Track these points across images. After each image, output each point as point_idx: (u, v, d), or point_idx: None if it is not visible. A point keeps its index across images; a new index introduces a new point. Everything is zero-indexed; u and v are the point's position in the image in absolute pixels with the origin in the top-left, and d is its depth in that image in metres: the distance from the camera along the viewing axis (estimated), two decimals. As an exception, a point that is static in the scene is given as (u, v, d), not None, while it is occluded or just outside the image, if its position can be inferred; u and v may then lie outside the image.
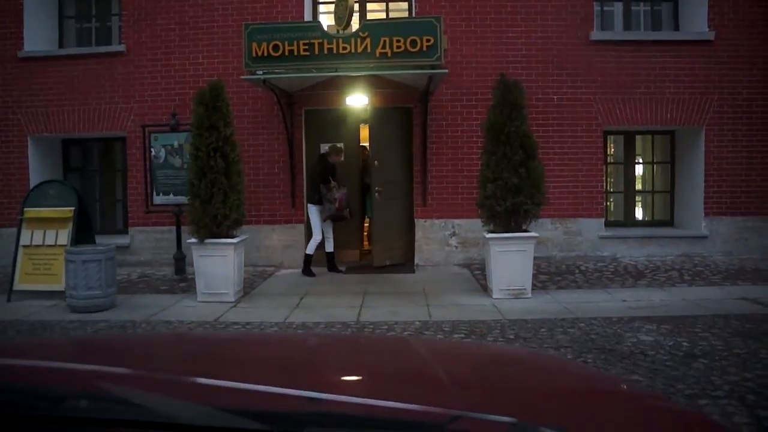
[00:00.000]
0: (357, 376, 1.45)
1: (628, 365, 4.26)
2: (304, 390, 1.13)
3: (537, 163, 6.41)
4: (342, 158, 8.22)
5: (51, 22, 9.54)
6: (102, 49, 9.20)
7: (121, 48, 8.92)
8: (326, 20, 8.77)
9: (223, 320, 5.88)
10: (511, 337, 5.09)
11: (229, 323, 5.77)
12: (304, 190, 8.56)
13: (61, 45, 9.63)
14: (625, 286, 7.10)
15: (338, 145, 8.34)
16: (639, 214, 9.72)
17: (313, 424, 0.99)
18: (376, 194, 8.29)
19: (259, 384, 1.14)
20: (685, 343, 4.77)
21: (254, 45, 6.92)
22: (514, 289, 6.44)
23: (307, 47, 6.87)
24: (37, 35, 9.27)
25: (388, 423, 0.99)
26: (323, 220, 7.93)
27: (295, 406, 1.07)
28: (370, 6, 9.29)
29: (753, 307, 5.97)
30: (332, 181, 7.85)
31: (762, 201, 8.76)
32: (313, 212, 7.96)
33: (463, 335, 5.18)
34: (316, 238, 8.01)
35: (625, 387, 1.63)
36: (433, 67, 6.90)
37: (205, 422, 0.94)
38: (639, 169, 9.92)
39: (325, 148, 8.37)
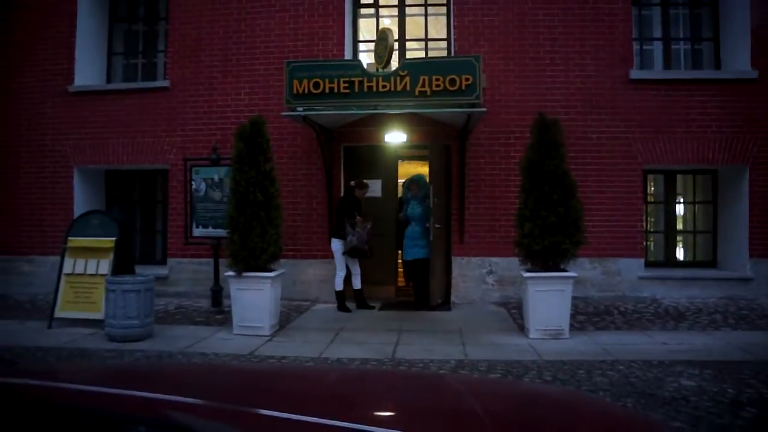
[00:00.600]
0: (399, 411, 1.46)
1: (670, 411, 4.19)
2: (351, 423, 1.16)
3: (576, 201, 6.40)
4: (365, 193, 8.30)
5: (100, 58, 9.91)
6: (148, 84, 9.52)
7: (166, 83, 9.21)
8: (366, 58, 8.97)
9: (258, 354, 5.93)
10: (549, 378, 5.03)
11: (264, 357, 5.82)
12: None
13: (108, 80, 9.99)
14: (666, 328, 6.97)
15: (364, 180, 8.41)
16: (680, 254, 9.57)
17: None
18: (436, 228, 8.28)
19: (305, 416, 1.18)
20: (730, 390, 4.66)
21: (295, 82, 7.10)
22: (551, 330, 6.38)
23: (347, 85, 7.03)
24: (87, 70, 9.65)
25: None
26: (343, 254, 8.00)
27: None
28: (409, 45, 9.48)
29: (800, 353, 5.83)
30: (357, 216, 7.93)
31: (808, 243, 8.57)
32: (337, 246, 8.03)
33: (499, 375, 5.14)
34: (339, 273, 8.08)
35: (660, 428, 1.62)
36: (471, 105, 6.99)
37: None
38: (680, 209, 9.80)
39: (351, 183, 8.48)
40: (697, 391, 4.63)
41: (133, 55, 10.20)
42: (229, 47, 9.07)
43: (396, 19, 9.55)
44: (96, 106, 9.44)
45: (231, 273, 6.69)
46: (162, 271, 9.03)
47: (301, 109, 7.24)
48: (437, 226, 8.17)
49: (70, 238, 7.45)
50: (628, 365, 5.36)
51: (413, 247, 8.33)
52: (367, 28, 9.83)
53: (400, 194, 9.54)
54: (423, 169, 9.69)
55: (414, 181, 8.64)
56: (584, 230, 6.50)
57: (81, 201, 9.47)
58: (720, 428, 3.85)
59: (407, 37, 9.49)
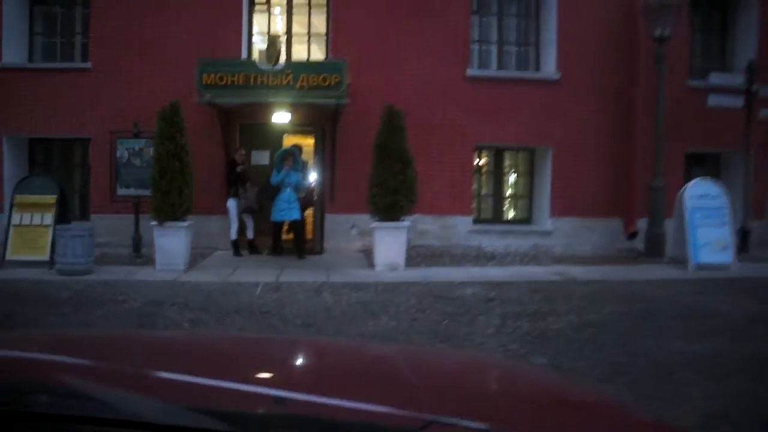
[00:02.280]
0: (328, 378, 1.46)
1: (450, 303, 7.04)
2: (272, 390, 1.18)
3: (411, 171, 9.20)
4: (242, 162, 10.68)
5: (23, 38, 11.74)
6: (70, 65, 11.53)
7: (88, 65, 11.24)
8: (261, 45, 11.36)
9: (178, 280, 8.40)
10: (381, 290, 7.81)
11: (183, 282, 8.30)
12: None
13: (30, 59, 11.86)
14: (477, 265, 9.98)
15: (242, 151, 10.85)
16: (508, 213, 12.71)
17: (280, 426, 1.01)
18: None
19: (226, 383, 1.18)
20: (493, 293, 7.61)
21: (204, 75, 9.48)
22: (391, 264, 9.21)
23: (245, 79, 9.47)
24: (12, 49, 11.47)
25: (358, 427, 1.01)
26: (241, 212, 10.52)
27: (261, 407, 1.11)
28: (295, 38, 11.95)
29: (555, 278, 8.93)
30: (248, 182, 10.45)
31: (594, 206, 11.82)
32: (231, 204, 10.48)
33: (349, 289, 7.87)
34: (233, 226, 10.58)
35: (605, 399, 1.70)
36: (339, 98, 9.62)
37: (168, 421, 0.96)
38: (512, 179, 12.93)
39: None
40: (472, 295, 7.54)
41: (53, 35, 12.08)
42: (145, 36, 11.16)
43: (284, 15, 12.00)
44: (21, 82, 11.31)
45: (155, 223, 9.07)
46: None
47: (208, 95, 9.62)
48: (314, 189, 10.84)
49: (16, 195, 9.55)
50: (436, 284, 8.23)
51: (289, 210, 10.64)
52: (259, 22, 12.17)
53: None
54: (304, 141, 12.19)
55: (289, 152, 10.87)
56: (416, 192, 9.32)
57: (9, 165, 11.40)
58: (476, 313, 6.71)
59: (294, 31, 11.98)
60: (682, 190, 10.31)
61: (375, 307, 6.86)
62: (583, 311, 6.78)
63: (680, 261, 10.14)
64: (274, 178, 10.08)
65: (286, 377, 1.48)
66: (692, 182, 10.40)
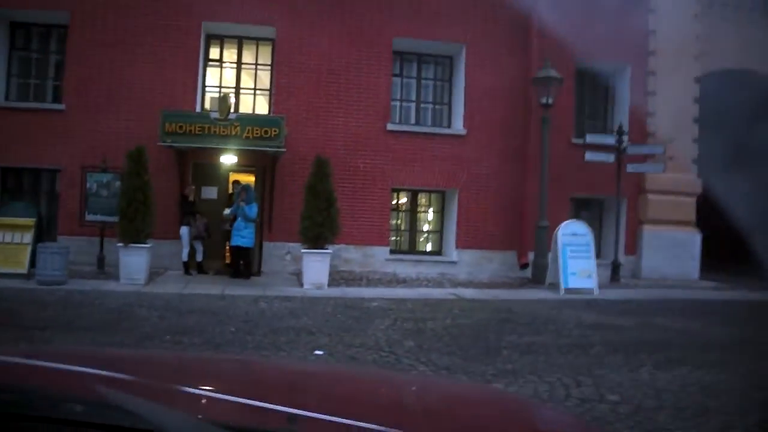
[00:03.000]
0: (338, 401, 1.56)
1: (357, 311, 9.23)
2: (284, 407, 1.26)
3: (334, 209, 11.44)
4: (192, 195, 12.75)
5: (1, 79, 13.62)
6: (46, 105, 13.45)
7: (62, 107, 13.17)
8: (213, 95, 13.50)
9: (141, 291, 10.38)
10: (308, 304, 9.95)
11: (145, 292, 10.29)
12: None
13: (7, 97, 13.71)
14: (389, 287, 12.23)
15: (192, 187, 12.92)
16: (421, 246, 15.07)
17: None
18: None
19: (241, 399, 1.28)
20: (393, 306, 9.84)
21: (166, 124, 11.58)
22: (316, 284, 11.38)
23: (201, 128, 11.61)
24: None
25: None
26: (192, 239, 12.54)
27: (273, 423, 1.20)
28: (243, 99, 14.18)
29: (449, 297, 11.24)
30: (198, 213, 12.52)
31: (493, 241, 14.29)
32: (183, 232, 12.47)
33: (280, 300, 9.98)
34: (184, 249, 12.58)
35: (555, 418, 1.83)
36: (277, 146, 11.84)
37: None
38: (425, 216, 15.32)
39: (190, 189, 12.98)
40: (375, 306, 9.75)
41: (27, 78, 13.98)
42: (114, 83, 13.16)
43: (234, 72, 14.23)
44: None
45: (121, 244, 11.04)
46: (53, 245, 13.01)
47: (169, 141, 11.71)
48: (257, 221, 12.95)
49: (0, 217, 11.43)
50: (350, 299, 10.43)
51: (242, 237, 12.78)
52: (213, 76, 14.34)
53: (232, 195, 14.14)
54: (247, 179, 14.29)
55: (244, 188, 13.07)
56: (339, 226, 11.55)
57: (-14, 191, 13.21)
58: (376, 316, 8.89)
59: (241, 86, 14.21)
60: (557, 229, 12.84)
61: (299, 312, 9.02)
62: (457, 318, 9.09)
63: (556, 286, 12.61)
64: (231, 210, 12.18)
65: (297, 398, 1.55)
66: (564, 223, 12.98)
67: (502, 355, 6.82)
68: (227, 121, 11.80)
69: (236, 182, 13.28)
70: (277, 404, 1.29)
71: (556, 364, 6.47)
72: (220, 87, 13.95)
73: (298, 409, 1.25)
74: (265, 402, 1.29)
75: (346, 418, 1.24)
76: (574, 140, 14.92)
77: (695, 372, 6.36)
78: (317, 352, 6.47)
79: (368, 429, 1.19)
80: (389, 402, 1.65)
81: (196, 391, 1.42)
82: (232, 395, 1.36)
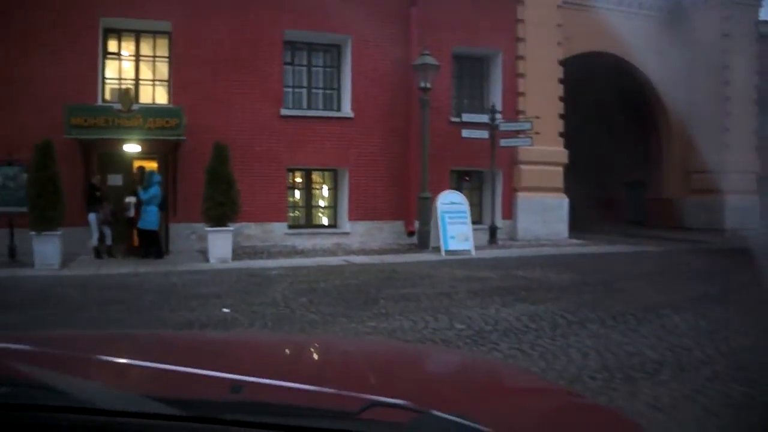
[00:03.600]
0: (283, 366, 1.61)
1: (259, 278, 10.57)
2: (226, 375, 1.26)
3: (234, 190, 12.67)
4: (98, 184, 13.72)
5: None
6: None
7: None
8: (113, 96, 14.39)
9: (59, 275, 11.33)
10: (215, 276, 11.20)
11: (62, 275, 11.25)
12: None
13: None
14: (288, 257, 13.61)
15: (98, 176, 13.90)
16: (317, 220, 16.50)
17: (233, 410, 1.08)
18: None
19: (186, 369, 1.29)
20: (290, 272, 11.22)
21: (71, 118, 12.44)
22: (221, 258, 12.63)
23: (105, 121, 12.55)
24: None
25: (304, 408, 1.12)
26: (100, 224, 13.48)
27: (215, 392, 1.20)
28: (143, 89, 15.09)
29: (341, 263, 12.74)
30: (104, 201, 13.47)
31: (382, 212, 15.91)
32: (92, 218, 13.38)
33: (190, 274, 11.18)
34: (94, 234, 13.50)
35: (541, 384, 1.93)
36: (178, 135, 12.94)
37: (122, 407, 1.02)
38: (324, 192, 16.74)
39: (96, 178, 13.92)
40: (275, 274, 11.11)
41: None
42: (16, 78, 13.77)
43: (133, 63, 15.12)
44: None
45: (34, 233, 11.90)
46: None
47: (75, 132, 12.59)
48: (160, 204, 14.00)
49: None
50: (253, 270, 11.73)
51: (145, 220, 13.79)
52: (111, 67, 15.16)
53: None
54: (150, 165, 15.25)
55: (143, 173, 14.10)
56: (239, 205, 12.80)
57: None
58: (275, 281, 10.24)
59: (141, 77, 15.12)
60: (436, 198, 14.55)
61: (207, 282, 10.29)
62: (346, 279, 10.58)
63: (439, 249, 14.32)
64: (141, 195, 13.16)
65: (243, 367, 1.56)
66: (443, 193, 14.72)
67: (379, 303, 8.36)
68: (130, 113, 12.78)
69: (141, 168, 14.22)
70: (220, 372, 1.29)
71: (422, 308, 8.06)
72: (120, 79, 14.83)
73: (244, 375, 1.26)
74: (207, 371, 1.30)
75: (289, 382, 1.27)
76: (453, 119, 16.67)
77: (531, 307, 8.10)
78: (225, 310, 7.81)
79: (308, 391, 1.23)
80: (334, 365, 1.70)
81: (128, 362, 1.43)
82: (172, 365, 1.38)
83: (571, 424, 1.37)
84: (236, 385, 1.20)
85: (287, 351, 1.97)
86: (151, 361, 1.48)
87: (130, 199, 13.44)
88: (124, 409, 1.03)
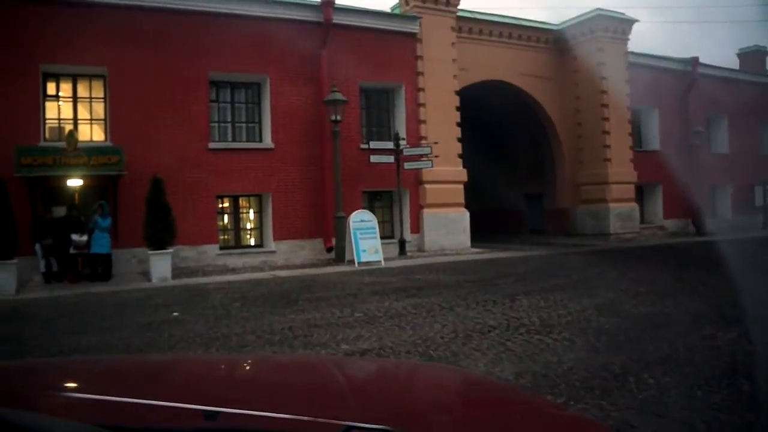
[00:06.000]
0: (258, 391, 1.56)
1: (197, 293, 12.57)
2: (201, 406, 1.23)
3: (171, 217, 14.63)
4: (48, 217, 15.44)
5: None
6: None
7: None
8: (52, 134, 16.13)
9: (16, 298, 13.02)
10: (158, 291, 13.12)
11: (19, 298, 12.95)
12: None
13: None
14: (221, 275, 15.61)
15: (44, 212, 15.59)
16: (245, 240, 18.55)
17: None
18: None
19: (158, 401, 1.25)
20: (225, 287, 13.26)
21: (21, 158, 14.18)
22: (162, 278, 14.55)
23: (52, 160, 14.34)
24: None
25: None
26: (45, 253, 15.17)
27: (191, 422, 1.18)
28: (81, 128, 16.87)
29: (267, 277, 14.83)
30: (48, 235, 15.19)
31: (303, 231, 18.09)
32: (38, 248, 15.07)
33: (136, 292, 13.07)
34: (41, 262, 15.18)
35: (517, 394, 1.89)
36: (118, 170, 14.84)
37: None
38: (251, 215, 18.80)
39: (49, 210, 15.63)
40: (211, 288, 13.13)
41: None
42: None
43: (70, 103, 16.90)
44: None
45: (-7, 261, 13.58)
46: None
47: (25, 171, 14.32)
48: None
49: None
50: (191, 286, 13.71)
51: (101, 245, 15.51)
52: (51, 109, 16.87)
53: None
54: (93, 198, 17.00)
55: (101, 205, 15.75)
56: (175, 230, 14.76)
57: None
58: (212, 294, 12.27)
59: (79, 117, 16.90)
60: (349, 217, 16.86)
61: (153, 296, 12.20)
62: (272, 288, 12.68)
63: (353, 262, 16.60)
64: (90, 224, 14.92)
65: (218, 393, 1.53)
66: (354, 212, 17.04)
67: (298, 303, 10.52)
68: (75, 152, 14.59)
69: (101, 203, 15.77)
70: (193, 403, 1.28)
71: (332, 304, 10.25)
72: (59, 119, 16.57)
73: (218, 405, 1.24)
74: (179, 402, 1.29)
75: (266, 410, 1.25)
76: (362, 146, 19.06)
77: (417, 300, 10.39)
78: (174, 314, 9.84)
79: (285, 419, 1.21)
80: (310, 388, 1.68)
81: (100, 398, 1.38)
82: (144, 398, 1.35)
83: None
84: (210, 414, 1.21)
85: (262, 374, 1.95)
86: (120, 388, 1.52)
87: (80, 238, 15.03)
88: None
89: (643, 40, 55.18)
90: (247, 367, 2.10)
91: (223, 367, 2.11)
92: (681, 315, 8.29)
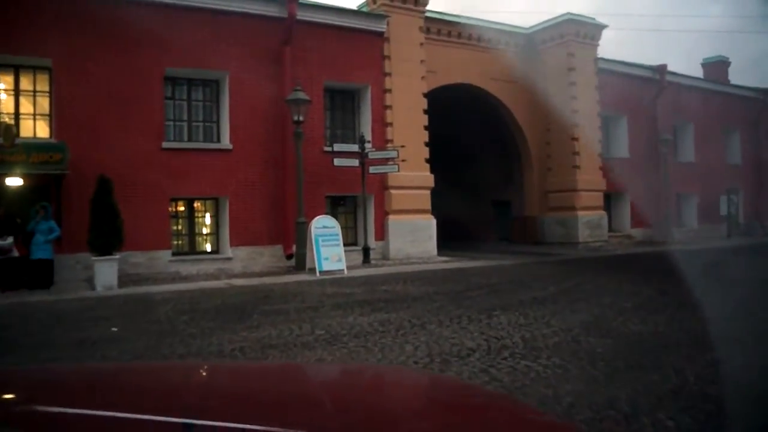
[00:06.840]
0: (235, 402, 1.53)
1: (144, 303, 11.54)
2: (180, 418, 1.21)
3: (119, 220, 13.56)
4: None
5: None
6: None
7: None
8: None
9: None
10: (101, 302, 12.06)
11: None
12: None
13: None
14: (173, 283, 14.57)
15: None
16: (200, 246, 17.50)
17: None
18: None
19: (135, 414, 1.21)
20: (174, 297, 12.25)
21: (-47, 155, 13.00)
22: (107, 286, 13.46)
23: (-12, 158, 13.19)
24: None
25: None
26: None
27: None
28: (23, 123, 15.69)
29: (222, 286, 13.84)
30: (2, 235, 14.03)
31: (262, 237, 17.11)
32: None
33: (77, 302, 11.99)
34: None
35: (502, 402, 1.87)
36: (62, 169, 13.71)
37: None
38: (207, 219, 17.75)
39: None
40: (159, 299, 12.11)
41: None
42: None
43: (12, 96, 15.70)
44: None
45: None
46: None
47: (-44, 169, 13.13)
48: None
49: None
50: (138, 295, 12.67)
51: (42, 250, 14.31)
52: (-9, 104, 15.68)
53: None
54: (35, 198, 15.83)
55: (42, 206, 14.54)
56: (123, 235, 13.69)
57: None
58: (159, 305, 11.26)
59: (21, 112, 15.71)
60: (311, 223, 15.94)
61: (95, 307, 11.12)
62: (226, 299, 11.72)
63: (314, 270, 15.68)
64: (30, 226, 13.75)
65: (196, 404, 1.48)
66: (316, 218, 16.12)
67: (252, 318, 9.57)
68: (13, 149, 13.44)
69: (43, 205, 14.50)
70: (168, 415, 1.24)
71: (290, 319, 9.35)
72: (2, 123, 15.33)
73: (196, 417, 1.22)
74: (155, 415, 1.25)
75: (248, 421, 1.23)
76: (326, 148, 18.14)
77: (385, 315, 9.54)
78: (113, 329, 8.83)
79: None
80: (290, 397, 1.65)
81: (73, 411, 1.33)
82: (109, 410, 1.30)
83: None
84: (187, 426, 1.19)
85: (239, 384, 1.90)
86: (86, 399, 1.46)
87: (3, 242, 13.89)
88: None
89: (610, 50, 55.43)
90: (225, 377, 2.04)
91: (192, 375, 2.03)
92: (677, 335, 7.58)
